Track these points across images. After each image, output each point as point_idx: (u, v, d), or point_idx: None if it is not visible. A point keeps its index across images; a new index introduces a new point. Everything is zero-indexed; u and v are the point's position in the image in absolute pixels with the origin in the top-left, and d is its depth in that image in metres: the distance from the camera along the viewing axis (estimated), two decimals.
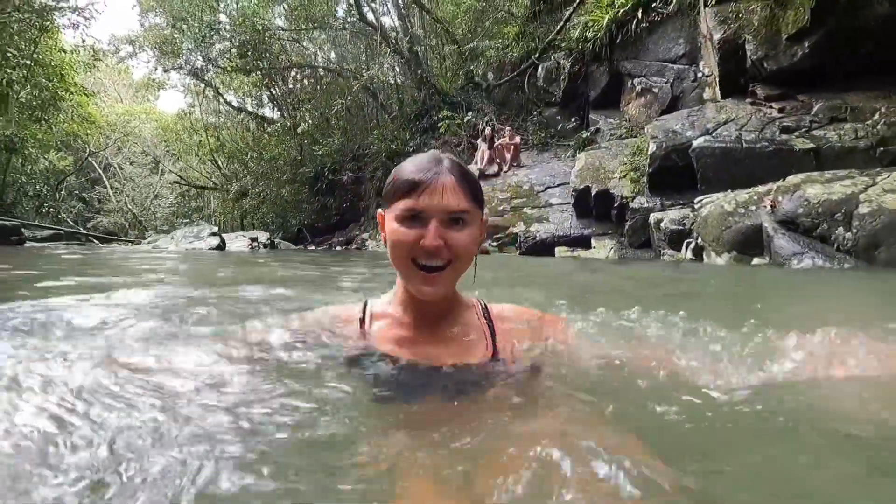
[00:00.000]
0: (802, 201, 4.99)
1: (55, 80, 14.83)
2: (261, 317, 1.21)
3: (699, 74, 8.21)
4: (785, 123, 6.40)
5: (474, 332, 1.05)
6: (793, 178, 5.33)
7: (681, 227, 6.55)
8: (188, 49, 17.36)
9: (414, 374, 0.98)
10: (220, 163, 22.75)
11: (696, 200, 6.46)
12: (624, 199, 7.62)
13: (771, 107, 6.70)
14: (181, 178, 25.74)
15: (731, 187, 6.32)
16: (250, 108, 21.77)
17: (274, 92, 19.89)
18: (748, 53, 6.79)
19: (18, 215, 15.46)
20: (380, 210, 1.04)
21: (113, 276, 3.89)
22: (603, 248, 7.66)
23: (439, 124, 13.16)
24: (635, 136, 8.94)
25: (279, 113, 20.66)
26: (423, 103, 14.56)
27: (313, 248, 13.97)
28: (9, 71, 14.00)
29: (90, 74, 20.08)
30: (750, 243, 5.38)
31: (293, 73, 19.25)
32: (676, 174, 7.12)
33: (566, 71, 10.49)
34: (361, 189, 15.60)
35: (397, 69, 15.33)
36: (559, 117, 11.80)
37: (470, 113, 13.35)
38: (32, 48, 14.35)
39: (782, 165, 6.04)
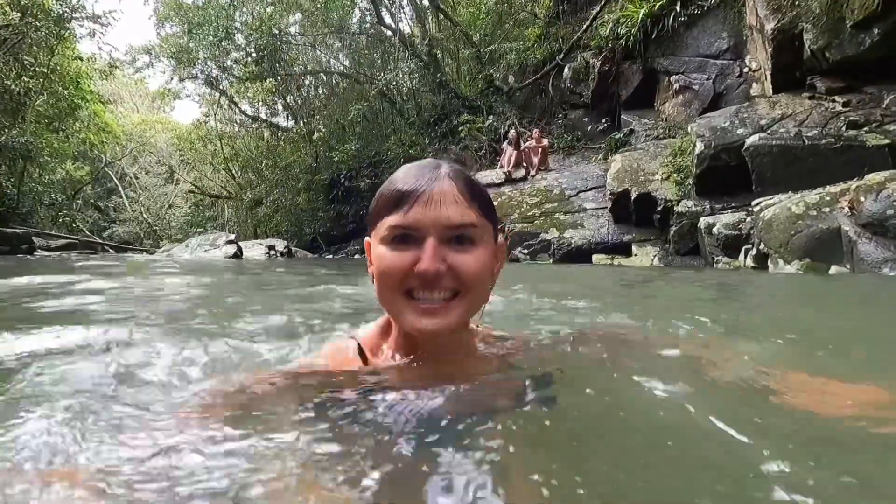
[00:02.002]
0: (891, 202, 4.42)
1: (71, 88, 14.75)
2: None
3: (745, 69, 7.67)
4: (852, 118, 5.84)
5: (484, 364, 0.87)
6: (874, 177, 4.77)
7: (736, 232, 6.00)
8: (204, 58, 17.25)
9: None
10: (234, 172, 22.64)
11: (753, 203, 5.90)
12: (668, 202, 7.09)
13: (834, 100, 6.14)
14: (196, 187, 25.69)
15: (791, 188, 5.77)
16: (264, 117, 21.62)
17: (289, 100, 19.72)
18: (806, 43, 6.25)
19: (34, 225, 15.33)
20: (367, 238, 0.84)
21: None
22: (645, 256, 7.12)
23: (460, 128, 12.76)
24: (674, 137, 8.42)
25: (293, 121, 20.48)
26: (441, 108, 14.18)
27: (330, 256, 13.57)
28: (26, 80, 13.95)
29: (107, 84, 20.12)
30: (826, 249, 4.81)
31: (308, 80, 19.07)
32: (727, 175, 6.58)
33: (596, 70, 10.00)
34: None
35: (415, 74, 14.99)
36: (586, 119, 11.31)
37: (491, 117, 12.92)
38: (49, 57, 14.30)
39: (853, 163, 5.48)
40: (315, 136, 17.17)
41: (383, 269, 0.76)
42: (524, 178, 9.62)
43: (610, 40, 9.67)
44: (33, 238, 9.29)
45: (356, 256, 12.44)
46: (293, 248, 12.26)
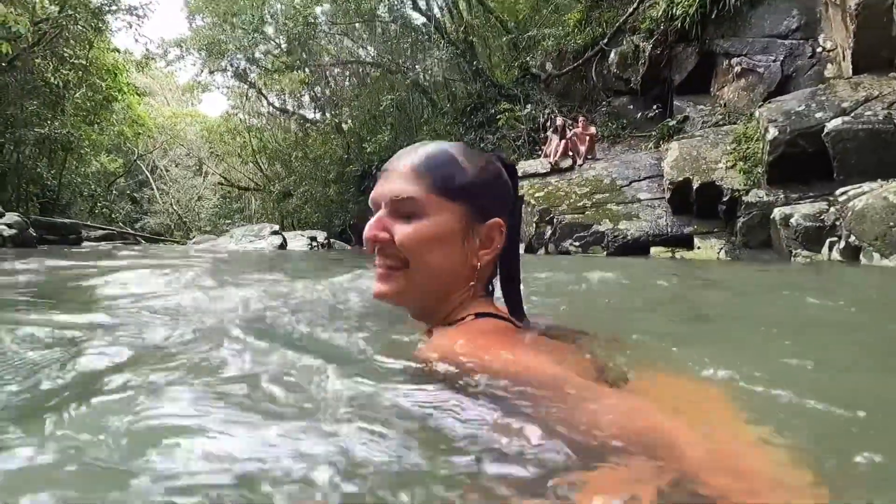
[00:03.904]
0: None
1: (108, 79, 14.89)
2: None
3: (818, 49, 7.17)
4: None
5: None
6: None
7: (818, 224, 5.58)
8: (234, 48, 17.24)
9: None
10: (262, 164, 22.74)
11: (838, 192, 5.48)
12: (735, 192, 6.68)
13: None
14: (224, 179, 25.94)
15: (880, 175, 5.34)
16: (292, 109, 21.59)
17: (317, 91, 19.61)
18: None
19: (73, 215, 15.60)
20: None
21: None
22: (710, 249, 6.74)
23: (497, 117, 12.43)
24: (735, 123, 7.96)
25: (321, 113, 20.40)
26: (477, 96, 13.85)
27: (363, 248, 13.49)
28: (65, 72, 14.10)
29: (139, 77, 20.33)
30: None
31: (337, 70, 18.93)
32: (802, 162, 6.16)
33: (646, 54, 9.54)
34: None
35: (449, 62, 14.67)
36: (632, 106, 10.85)
37: (529, 105, 12.55)
38: (87, 50, 14.42)
39: None
40: (345, 127, 17.06)
41: None
42: (571, 168, 9.28)
43: (662, 22, 9.20)
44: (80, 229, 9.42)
45: None
46: (331, 240, 12.19)
